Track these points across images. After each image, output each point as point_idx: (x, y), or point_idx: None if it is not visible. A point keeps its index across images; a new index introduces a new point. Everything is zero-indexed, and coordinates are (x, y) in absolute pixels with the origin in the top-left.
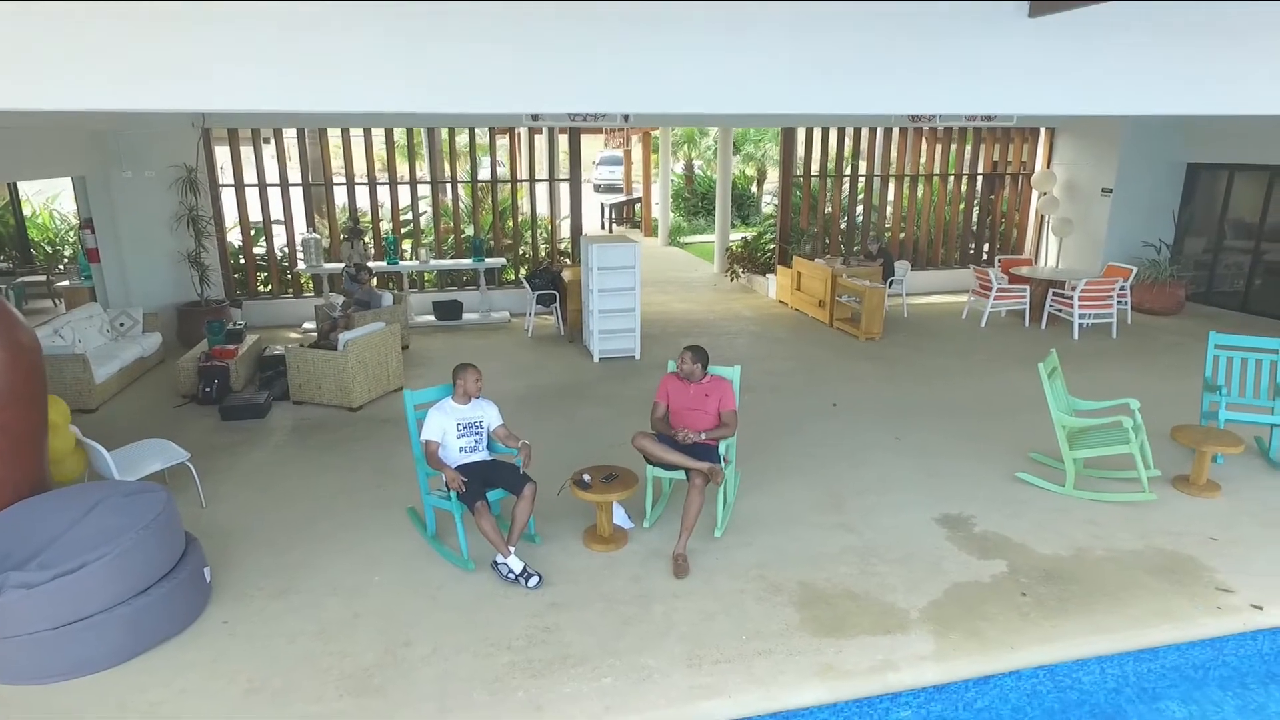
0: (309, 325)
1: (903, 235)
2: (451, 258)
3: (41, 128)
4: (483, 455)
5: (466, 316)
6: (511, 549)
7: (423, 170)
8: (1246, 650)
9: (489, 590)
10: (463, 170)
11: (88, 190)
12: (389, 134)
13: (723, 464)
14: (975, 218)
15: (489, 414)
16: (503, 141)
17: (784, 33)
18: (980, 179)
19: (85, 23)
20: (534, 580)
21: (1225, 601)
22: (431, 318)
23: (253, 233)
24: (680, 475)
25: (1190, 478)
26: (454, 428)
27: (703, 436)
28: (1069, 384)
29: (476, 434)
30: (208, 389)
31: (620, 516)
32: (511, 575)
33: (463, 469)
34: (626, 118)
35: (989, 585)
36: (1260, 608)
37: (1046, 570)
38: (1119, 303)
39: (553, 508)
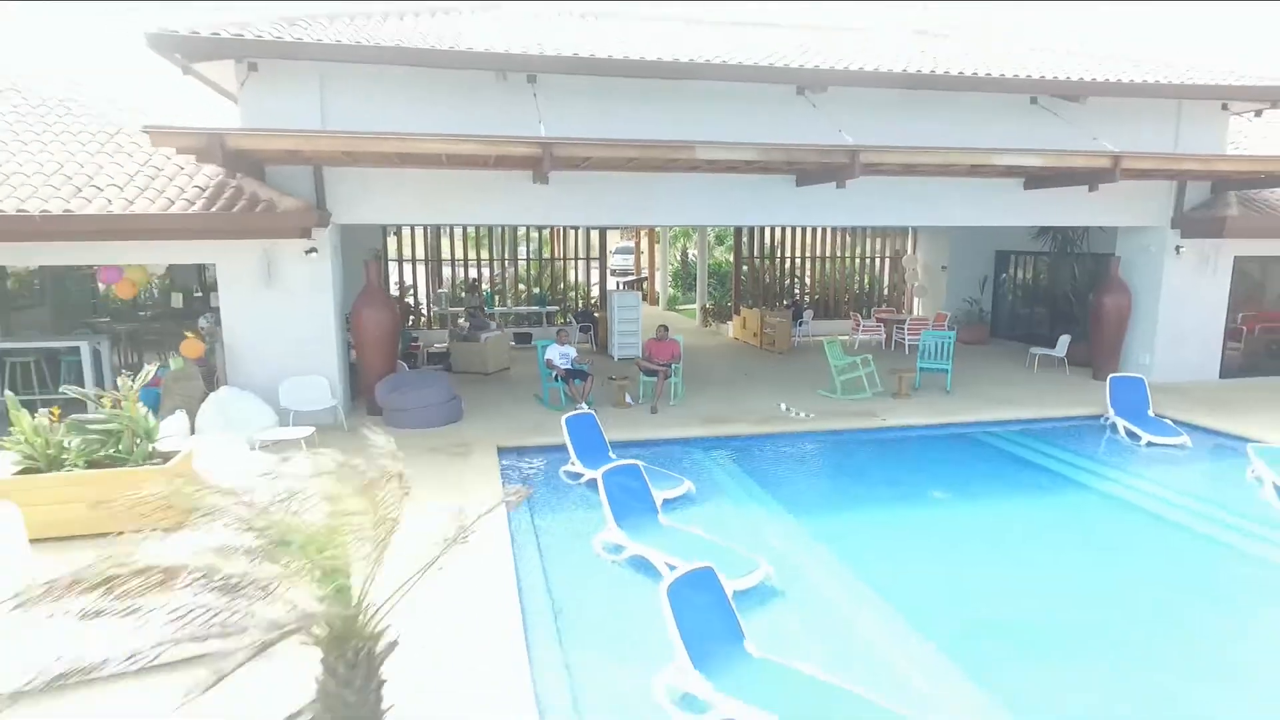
0: (439, 345)
1: (817, 296)
2: (524, 305)
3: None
4: (569, 366)
5: (535, 341)
6: (583, 403)
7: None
8: (886, 436)
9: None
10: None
11: None
12: (478, 230)
13: (672, 373)
14: (866, 284)
15: (572, 351)
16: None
17: (689, 187)
18: (869, 260)
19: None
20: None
21: (875, 421)
22: (513, 343)
23: (407, 289)
24: (653, 379)
25: (897, 392)
26: (557, 354)
27: (667, 365)
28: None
29: (568, 357)
30: (407, 364)
31: (628, 398)
32: (583, 410)
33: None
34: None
35: (780, 416)
36: (884, 420)
37: (808, 414)
38: None
39: (601, 395)
